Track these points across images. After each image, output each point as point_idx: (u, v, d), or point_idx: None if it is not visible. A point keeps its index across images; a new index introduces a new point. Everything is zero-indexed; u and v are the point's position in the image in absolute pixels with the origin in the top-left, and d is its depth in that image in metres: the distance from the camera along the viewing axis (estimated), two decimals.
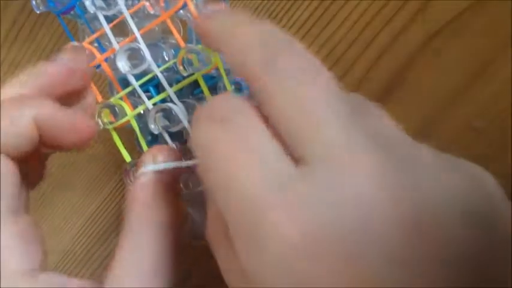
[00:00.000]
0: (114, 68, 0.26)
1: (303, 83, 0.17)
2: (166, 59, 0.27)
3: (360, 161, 0.15)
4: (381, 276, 0.14)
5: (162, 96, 0.26)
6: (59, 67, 0.24)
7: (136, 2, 0.27)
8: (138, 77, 0.26)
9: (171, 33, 0.26)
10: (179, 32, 0.27)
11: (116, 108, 0.27)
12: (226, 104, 0.18)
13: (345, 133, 0.16)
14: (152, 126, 0.25)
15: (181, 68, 0.24)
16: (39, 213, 0.39)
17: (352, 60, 0.30)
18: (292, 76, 0.17)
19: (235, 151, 0.16)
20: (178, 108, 0.25)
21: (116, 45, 0.25)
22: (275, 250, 0.14)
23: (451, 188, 0.15)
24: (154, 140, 0.29)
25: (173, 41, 0.29)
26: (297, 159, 0.16)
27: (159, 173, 0.22)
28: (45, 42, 0.38)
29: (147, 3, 0.24)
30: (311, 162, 0.16)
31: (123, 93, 0.26)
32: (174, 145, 0.27)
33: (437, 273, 0.14)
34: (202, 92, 0.27)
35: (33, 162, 0.24)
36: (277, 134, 0.17)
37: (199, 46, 0.24)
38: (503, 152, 0.28)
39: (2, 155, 0.21)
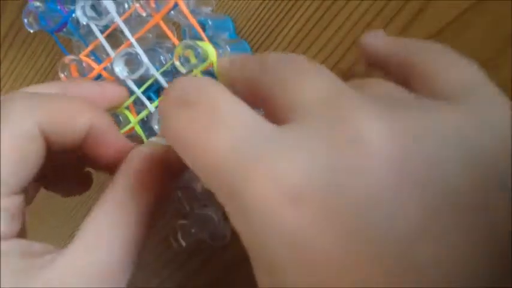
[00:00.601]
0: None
1: (294, 65, 0.17)
2: (164, 62, 0.27)
3: (359, 110, 0.14)
4: (366, 222, 0.13)
5: None
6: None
7: (127, 8, 0.27)
8: (137, 84, 0.26)
9: (165, 37, 0.26)
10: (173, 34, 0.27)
11: (120, 117, 0.26)
12: (191, 86, 0.17)
13: (334, 89, 0.15)
14: (156, 127, 0.25)
15: (177, 63, 0.24)
16: None
17: (353, 61, 0.30)
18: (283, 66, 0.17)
19: (209, 126, 0.15)
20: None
21: (112, 54, 0.25)
22: (260, 203, 0.14)
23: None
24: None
25: (169, 45, 0.29)
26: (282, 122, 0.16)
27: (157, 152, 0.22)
28: (41, 49, 0.39)
29: (138, 5, 0.24)
30: (296, 117, 0.15)
31: (128, 101, 0.26)
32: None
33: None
34: None
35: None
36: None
37: (196, 41, 0.24)
38: None
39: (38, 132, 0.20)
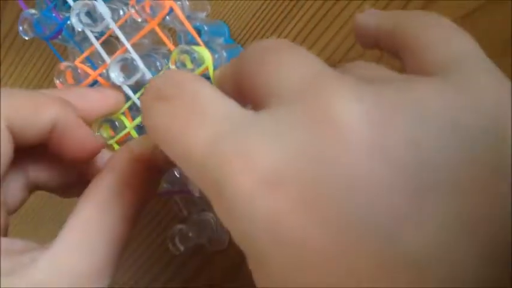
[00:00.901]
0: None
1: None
2: (160, 68, 0.27)
3: (336, 88, 0.14)
4: (346, 211, 0.13)
5: None
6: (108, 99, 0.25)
7: (122, 14, 0.27)
8: (133, 90, 0.26)
9: (161, 43, 0.26)
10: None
11: (116, 123, 0.26)
12: (171, 79, 0.17)
13: (312, 71, 0.15)
14: None
15: (174, 68, 0.24)
16: None
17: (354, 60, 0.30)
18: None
19: (189, 120, 0.15)
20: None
21: (107, 60, 0.25)
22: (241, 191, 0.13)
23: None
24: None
25: (165, 51, 0.29)
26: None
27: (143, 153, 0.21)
28: (40, 50, 0.39)
29: (133, 11, 0.24)
30: (273, 102, 0.15)
31: (124, 107, 0.26)
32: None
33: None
34: None
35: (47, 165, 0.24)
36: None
37: (192, 46, 0.24)
38: None
39: (3, 125, 0.20)
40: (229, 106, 0.15)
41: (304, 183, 0.13)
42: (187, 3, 0.28)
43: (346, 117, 0.13)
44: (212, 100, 0.16)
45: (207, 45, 0.26)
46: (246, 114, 0.15)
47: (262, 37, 0.32)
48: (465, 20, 0.27)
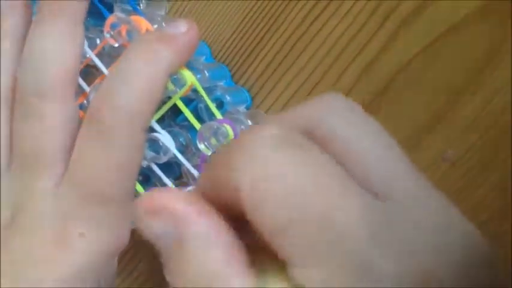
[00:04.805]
0: None
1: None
2: None
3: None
4: None
5: None
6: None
7: (99, 43, 0.26)
8: None
9: None
10: None
11: None
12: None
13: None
14: None
15: None
16: None
17: (349, 61, 0.30)
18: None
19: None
20: (164, 137, 0.24)
21: (87, 89, 0.25)
22: None
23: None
24: (145, 179, 0.28)
25: None
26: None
27: None
28: None
29: (108, 36, 0.23)
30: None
31: None
32: (168, 180, 0.26)
33: None
34: (185, 119, 0.26)
35: None
36: None
37: None
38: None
39: None
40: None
41: None
42: (164, 26, 0.28)
43: None
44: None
45: (189, 64, 0.25)
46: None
47: (243, 55, 0.31)
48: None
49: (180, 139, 0.27)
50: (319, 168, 0.13)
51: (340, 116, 0.15)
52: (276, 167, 0.13)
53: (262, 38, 0.31)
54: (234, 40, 0.31)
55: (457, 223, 0.14)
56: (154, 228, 0.14)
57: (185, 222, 0.14)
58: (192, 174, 0.26)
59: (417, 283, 0.12)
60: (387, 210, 0.13)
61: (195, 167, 0.25)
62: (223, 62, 0.31)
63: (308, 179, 0.13)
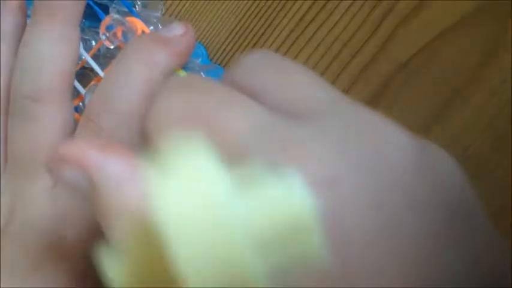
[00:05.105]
0: None
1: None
2: None
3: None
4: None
5: None
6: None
7: (94, 45, 0.26)
8: None
9: None
10: None
11: None
12: None
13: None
14: None
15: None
16: None
17: (347, 62, 0.30)
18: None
19: None
20: None
21: (82, 91, 0.24)
22: None
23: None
24: None
25: None
26: None
27: None
28: None
29: (103, 38, 0.23)
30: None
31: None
32: None
33: None
34: None
35: None
36: None
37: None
38: None
39: None
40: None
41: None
42: (160, 27, 0.28)
43: None
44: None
45: (185, 66, 0.25)
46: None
47: (239, 56, 0.31)
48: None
49: None
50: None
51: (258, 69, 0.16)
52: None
53: (258, 40, 0.31)
54: (230, 42, 0.31)
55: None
56: (66, 177, 0.15)
57: (89, 168, 0.14)
58: None
59: None
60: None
61: None
62: (219, 64, 0.31)
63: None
